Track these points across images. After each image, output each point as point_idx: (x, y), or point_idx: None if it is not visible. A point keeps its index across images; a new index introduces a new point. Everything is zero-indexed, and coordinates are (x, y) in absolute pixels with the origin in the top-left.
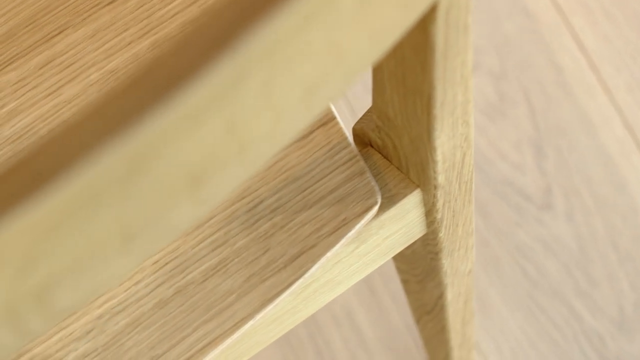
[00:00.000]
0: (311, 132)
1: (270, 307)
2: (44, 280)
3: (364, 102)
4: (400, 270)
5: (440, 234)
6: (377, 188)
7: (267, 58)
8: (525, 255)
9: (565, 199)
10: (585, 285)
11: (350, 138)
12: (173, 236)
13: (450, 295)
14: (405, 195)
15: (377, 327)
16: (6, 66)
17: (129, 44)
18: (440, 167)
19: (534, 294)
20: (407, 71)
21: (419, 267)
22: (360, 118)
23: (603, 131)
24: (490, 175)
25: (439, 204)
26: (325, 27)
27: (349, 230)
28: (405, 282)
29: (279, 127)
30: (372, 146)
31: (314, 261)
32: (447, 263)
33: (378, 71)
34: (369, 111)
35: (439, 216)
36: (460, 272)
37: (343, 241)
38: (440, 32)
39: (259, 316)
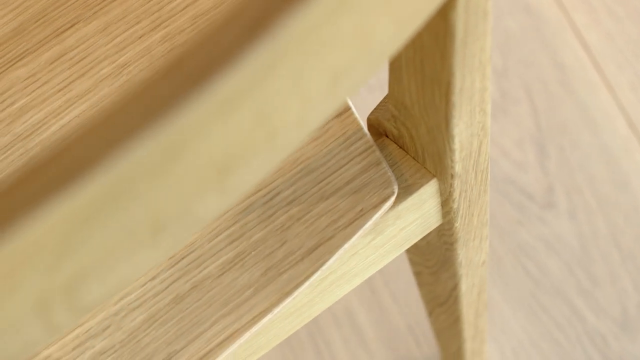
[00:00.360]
0: (326, 123)
1: (288, 300)
2: (74, 274)
3: (366, 100)
4: (413, 262)
5: (456, 224)
6: (393, 178)
7: (298, 45)
8: (527, 254)
9: (568, 198)
10: (587, 285)
11: (365, 129)
12: (199, 228)
13: (464, 286)
14: (421, 185)
15: (377, 327)
16: (16, 62)
17: (141, 37)
18: (458, 155)
19: (536, 293)
20: (426, 58)
21: (433, 259)
22: (375, 108)
23: (606, 129)
24: (492, 174)
25: (456, 194)
26: (354, 13)
27: (366, 221)
28: (418, 274)
29: (306, 115)
30: (387, 136)
31: (331, 253)
32: (462, 253)
33: (395, 60)
34: (384, 101)
35: (455, 206)
36: (474, 263)
37: (360, 232)
38: (460, 19)
39: (277, 310)
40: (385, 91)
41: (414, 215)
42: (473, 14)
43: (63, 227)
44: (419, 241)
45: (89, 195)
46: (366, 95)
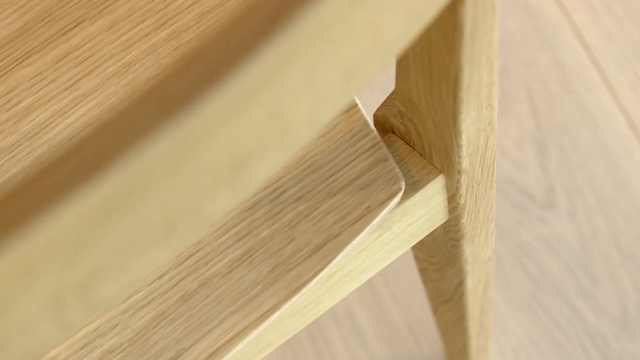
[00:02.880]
0: (333, 120)
1: (296, 297)
2: (88, 272)
3: (368, 100)
4: (418, 259)
5: (463, 220)
6: (400, 174)
7: (310, 43)
8: (527, 254)
9: (568, 198)
10: (587, 285)
11: (372, 125)
12: (210, 225)
13: (470, 282)
14: (428, 181)
15: (377, 327)
16: (22, 61)
17: (147, 35)
18: (465, 151)
19: (536, 293)
20: (434, 54)
21: (439, 255)
22: (382, 104)
23: (606, 129)
24: None
25: (463, 189)
26: (365, 9)
27: (374, 218)
28: (423, 270)
29: (318, 112)
30: (393, 132)
31: (339, 250)
32: (468, 250)
33: (402, 56)
34: (390, 97)
35: (462, 202)
36: (480, 259)
37: (368, 229)
38: (468, 13)
39: (285, 306)
40: (385, 92)
41: (421, 212)
42: (481, 8)
43: (77, 226)
44: (424, 237)
45: (102, 194)
46: (368, 95)
